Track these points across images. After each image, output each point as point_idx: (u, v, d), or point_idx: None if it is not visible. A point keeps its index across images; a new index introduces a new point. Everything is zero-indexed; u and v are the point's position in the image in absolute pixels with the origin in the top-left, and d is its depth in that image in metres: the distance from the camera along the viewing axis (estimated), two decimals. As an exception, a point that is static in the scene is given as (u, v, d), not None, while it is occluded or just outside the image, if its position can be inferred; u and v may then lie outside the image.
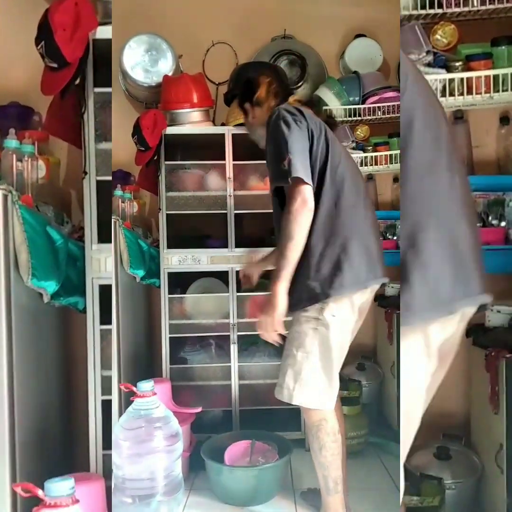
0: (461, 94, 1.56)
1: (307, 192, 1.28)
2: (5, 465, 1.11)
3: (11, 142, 1.32)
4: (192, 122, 2.14)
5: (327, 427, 1.32)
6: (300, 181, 1.27)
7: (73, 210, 1.82)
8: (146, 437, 1.47)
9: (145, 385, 1.51)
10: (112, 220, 1.88)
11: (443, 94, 1.55)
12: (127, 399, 1.71)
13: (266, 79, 1.51)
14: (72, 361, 1.71)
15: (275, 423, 2.02)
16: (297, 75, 2.36)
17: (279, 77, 1.60)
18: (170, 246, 2.13)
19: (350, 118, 2.23)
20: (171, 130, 2.12)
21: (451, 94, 1.56)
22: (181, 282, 2.20)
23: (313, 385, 1.30)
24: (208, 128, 2.16)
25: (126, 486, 1.46)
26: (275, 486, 1.64)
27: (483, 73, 1.54)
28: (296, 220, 1.26)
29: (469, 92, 1.55)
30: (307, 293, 1.29)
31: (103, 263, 1.52)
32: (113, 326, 1.86)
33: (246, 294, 2.14)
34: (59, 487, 0.91)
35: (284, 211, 1.31)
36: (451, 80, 1.55)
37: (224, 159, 2.10)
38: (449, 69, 1.57)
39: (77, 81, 1.35)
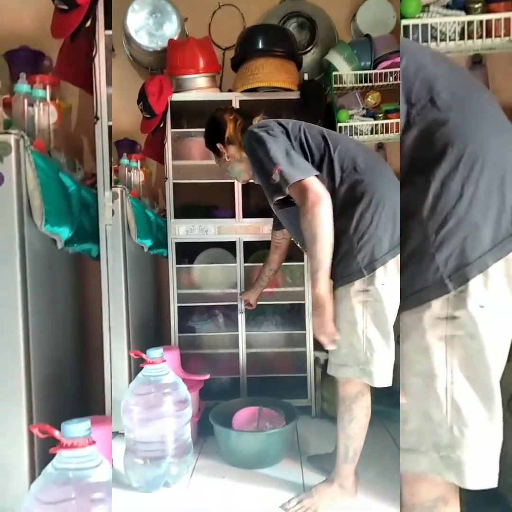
0: (480, 37, 1.51)
1: (312, 185, 1.21)
2: (22, 407, 1.15)
3: (22, 86, 1.31)
4: (198, 88, 2.09)
5: (362, 401, 1.32)
6: (298, 182, 1.22)
7: (85, 156, 1.81)
8: (156, 402, 1.50)
9: (155, 352, 1.53)
10: (119, 189, 1.87)
11: (462, 37, 1.50)
12: (137, 366, 1.75)
13: (230, 116, 1.59)
14: (86, 307, 1.75)
15: (281, 390, 2.05)
16: (306, 39, 2.28)
17: (237, 111, 1.65)
18: (177, 216, 2.12)
19: (360, 84, 2.16)
20: (177, 96, 2.08)
21: (470, 37, 1.52)
22: (189, 252, 2.20)
23: (374, 360, 1.26)
24: (215, 95, 2.11)
25: (137, 448, 1.50)
26: (282, 451, 1.68)
27: (503, 15, 1.48)
28: (316, 218, 1.18)
29: (488, 35, 1.50)
30: (354, 267, 1.24)
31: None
32: (122, 296, 1.88)
33: (253, 264, 2.15)
34: (76, 428, 0.94)
35: (300, 215, 1.23)
36: (470, 23, 1.50)
37: (231, 127, 2.06)
38: (468, 11, 1.52)
39: (88, 24, 1.32)
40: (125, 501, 1.45)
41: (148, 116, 2.06)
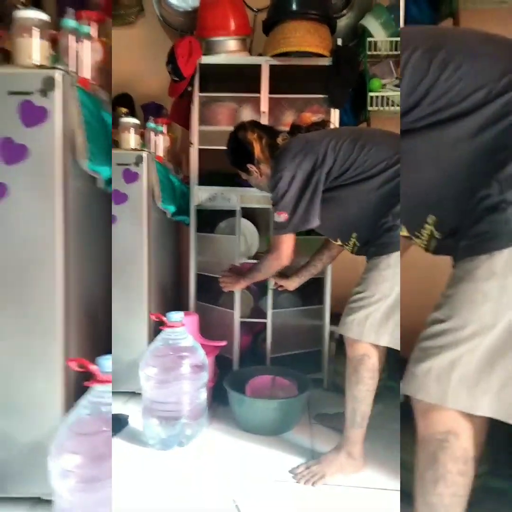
0: None
1: (286, 245, 1.54)
2: (59, 340, 1.18)
3: (69, 22, 1.29)
4: (228, 51, 2.04)
5: (369, 363, 1.36)
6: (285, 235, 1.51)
7: (184, 166, 2.37)
8: (173, 364, 1.54)
9: (175, 316, 1.55)
10: (145, 153, 1.86)
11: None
12: (156, 329, 1.78)
13: (253, 134, 1.61)
14: (182, 258, 2.04)
15: (296, 362, 2.07)
16: (341, 1, 2.18)
17: (258, 126, 1.68)
18: (200, 183, 2.11)
19: (396, 52, 2.07)
20: (206, 59, 2.03)
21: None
22: (211, 220, 2.19)
23: (384, 324, 1.33)
24: (244, 58, 2.06)
25: (154, 408, 1.55)
26: (293, 419, 1.71)
27: None
28: (269, 268, 1.66)
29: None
30: (387, 239, 1.35)
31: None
32: (144, 259, 1.90)
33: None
34: (175, 316, 1.18)
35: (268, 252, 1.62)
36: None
37: (259, 92, 2.01)
38: None
39: (189, 89, 2.06)
40: (141, 457, 1.50)
41: (177, 79, 2.03)
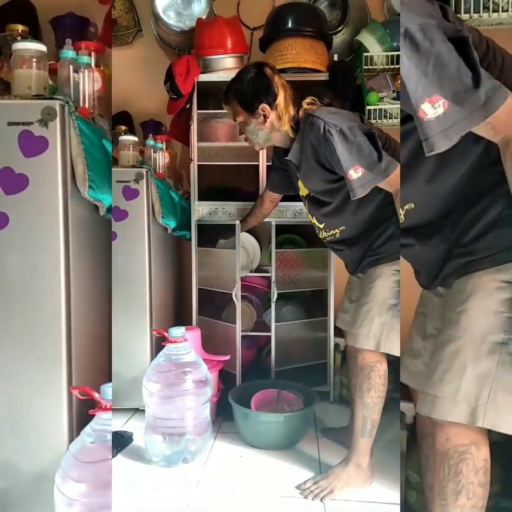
0: None
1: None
2: (62, 369, 1.17)
3: (68, 52, 1.33)
4: (226, 68, 2.06)
5: (381, 369, 1.37)
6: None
7: (184, 182, 2.39)
8: (176, 380, 1.53)
9: (177, 331, 1.55)
10: (144, 170, 1.88)
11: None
12: (158, 345, 1.77)
13: (279, 79, 1.45)
14: (183, 273, 2.04)
15: (301, 376, 2.05)
16: (337, 18, 2.23)
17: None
18: (201, 198, 2.12)
19: (392, 66, 2.10)
20: (204, 77, 2.06)
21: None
22: (212, 235, 2.20)
23: (397, 333, 1.35)
24: (242, 76, 2.08)
25: (157, 424, 1.53)
26: (299, 433, 1.69)
27: None
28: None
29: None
30: (393, 248, 1.36)
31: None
32: (145, 276, 1.90)
33: (277, 250, 2.13)
34: (177, 332, 1.19)
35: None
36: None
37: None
38: None
39: (187, 106, 2.07)
40: (144, 475, 1.48)
41: (175, 96, 2.06)
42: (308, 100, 1.42)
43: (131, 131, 2.24)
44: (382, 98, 2.14)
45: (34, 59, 1.18)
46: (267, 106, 1.42)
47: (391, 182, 1.20)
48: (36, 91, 1.18)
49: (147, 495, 1.37)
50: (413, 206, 0.98)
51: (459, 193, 0.90)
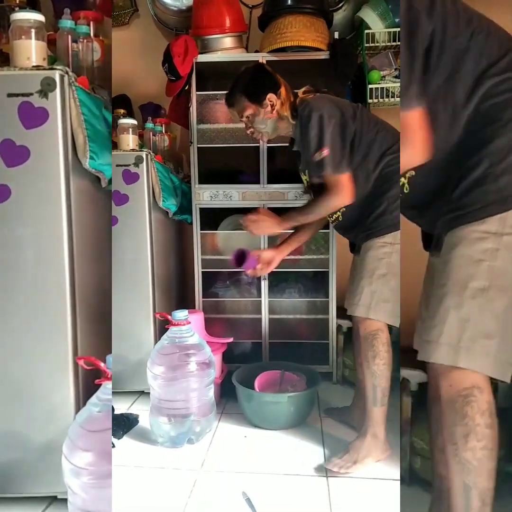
0: None
1: (347, 184, 1.43)
2: (67, 339, 1.19)
3: (66, 22, 1.32)
4: (224, 48, 2.03)
5: (383, 337, 1.41)
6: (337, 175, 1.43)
7: (184, 165, 2.36)
8: (180, 362, 1.54)
9: (180, 314, 1.56)
10: (144, 153, 1.86)
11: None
12: (162, 328, 1.78)
13: (277, 75, 1.57)
14: (185, 256, 2.05)
15: (303, 356, 2.07)
16: (337, -6, 2.17)
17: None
18: (201, 181, 2.11)
19: (394, 43, 2.06)
20: (202, 57, 2.03)
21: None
22: (213, 218, 2.19)
23: (390, 302, 1.42)
24: (241, 55, 2.05)
25: (162, 406, 1.55)
26: (302, 414, 1.71)
27: None
28: (329, 208, 1.50)
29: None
30: (383, 224, 1.43)
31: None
32: (148, 260, 1.91)
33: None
34: (180, 315, 1.23)
35: (325, 192, 1.46)
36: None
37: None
38: None
39: (186, 87, 2.05)
40: (150, 456, 1.51)
41: (173, 78, 2.03)
42: (304, 89, 1.57)
43: (130, 115, 2.22)
44: (384, 76, 2.10)
45: (33, 30, 1.18)
46: (273, 95, 1.52)
47: (331, 181, 1.42)
48: (35, 61, 1.17)
49: (153, 475, 1.40)
50: (413, 173, 1.03)
51: (452, 156, 0.96)
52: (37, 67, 1.17)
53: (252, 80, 1.56)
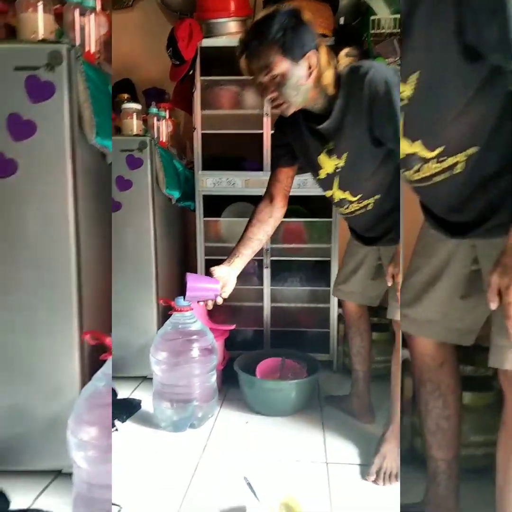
0: None
1: None
2: (73, 316, 1.21)
3: (153, 109, 1.56)
4: (229, 33, 2.01)
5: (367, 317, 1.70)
6: None
7: (188, 151, 2.37)
8: (183, 348, 1.55)
9: (183, 301, 1.56)
10: (148, 138, 1.85)
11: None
12: (165, 314, 1.79)
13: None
14: (188, 243, 2.10)
15: (304, 344, 2.08)
16: (344, -21, 2.14)
17: None
18: (205, 167, 2.10)
19: (399, 30, 2.03)
20: (207, 42, 2.00)
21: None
22: (216, 205, 2.19)
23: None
24: (246, 40, 2.02)
25: (165, 391, 1.57)
26: (303, 401, 1.72)
27: None
28: None
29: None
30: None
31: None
32: (151, 246, 1.91)
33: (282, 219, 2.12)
34: (184, 301, 1.25)
35: None
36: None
37: (262, 75, 1.98)
38: None
39: (190, 72, 2.01)
40: (153, 440, 1.52)
41: (177, 62, 2.00)
42: (346, 51, 1.23)
43: (134, 99, 2.20)
44: (389, 64, 2.08)
45: (40, 3, 1.17)
46: (314, 55, 1.14)
47: None
48: (42, 35, 1.17)
49: (156, 458, 1.41)
50: (476, 150, 0.87)
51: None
52: (44, 41, 1.16)
53: (289, 29, 1.12)
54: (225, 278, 1.26)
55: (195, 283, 1.16)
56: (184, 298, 1.16)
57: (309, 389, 1.74)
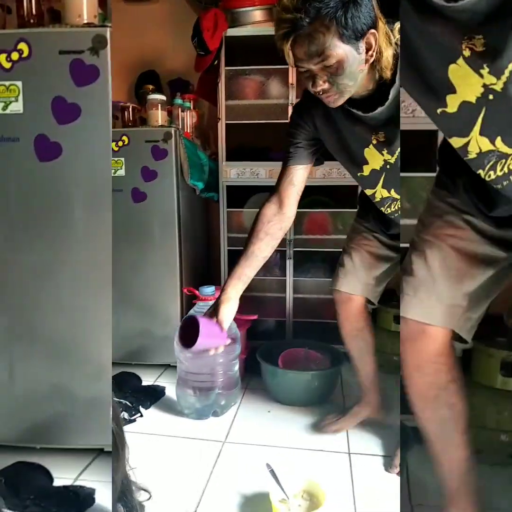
0: None
1: None
2: (177, 277, 1.91)
3: (178, 100, 2.09)
4: (254, 22, 2.00)
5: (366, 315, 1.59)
6: None
7: (212, 142, 2.49)
8: (207, 337, 1.57)
9: (207, 290, 1.58)
10: (173, 129, 1.86)
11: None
12: (189, 303, 1.81)
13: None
14: (210, 230, 2.48)
15: (326, 335, 2.07)
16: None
17: None
18: (228, 158, 2.10)
19: None
20: (232, 31, 1.99)
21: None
22: (240, 196, 2.19)
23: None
24: (271, 29, 1.97)
25: (188, 378, 1.59)
26: (325, 392, 1.72)
27: None
28: None
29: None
30: None
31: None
32: (175, 236, 1.93)
33: (303, 210, 2.11)
34: (208, 290, 1.62)
35: None
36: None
37: (287, 63, 1.96)
38: None
39: (215, 63, 2.05)
40: (177, 426, 1.55)
41: (202, 53, 2.01)
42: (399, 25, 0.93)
43: (159, 90, 2.21)
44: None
45: None
46: (374, 34, 0.94)
47: None
48: (86, 19, 1.19)
49: (179, 445, 1.44)
50: None
51: None
52: (89, 25, 1.18)
53: (352, 2, 0.89)
54: (231, 317, 1.18)
55: (205, 339, 1.04)
56: (189, 346, 1.04)
57: (331, 380, 1.73)
